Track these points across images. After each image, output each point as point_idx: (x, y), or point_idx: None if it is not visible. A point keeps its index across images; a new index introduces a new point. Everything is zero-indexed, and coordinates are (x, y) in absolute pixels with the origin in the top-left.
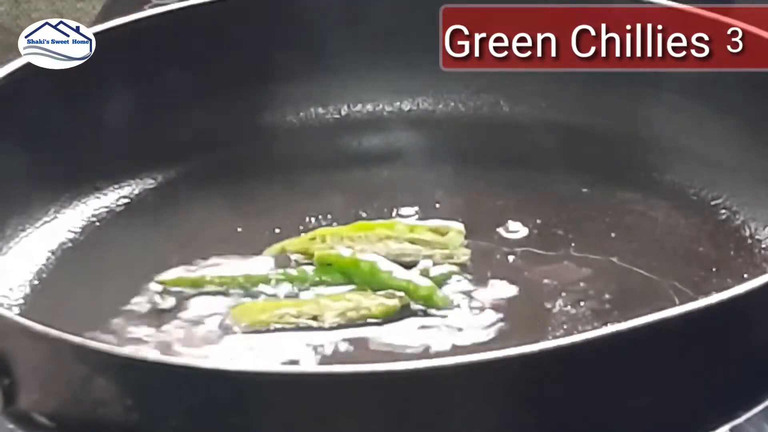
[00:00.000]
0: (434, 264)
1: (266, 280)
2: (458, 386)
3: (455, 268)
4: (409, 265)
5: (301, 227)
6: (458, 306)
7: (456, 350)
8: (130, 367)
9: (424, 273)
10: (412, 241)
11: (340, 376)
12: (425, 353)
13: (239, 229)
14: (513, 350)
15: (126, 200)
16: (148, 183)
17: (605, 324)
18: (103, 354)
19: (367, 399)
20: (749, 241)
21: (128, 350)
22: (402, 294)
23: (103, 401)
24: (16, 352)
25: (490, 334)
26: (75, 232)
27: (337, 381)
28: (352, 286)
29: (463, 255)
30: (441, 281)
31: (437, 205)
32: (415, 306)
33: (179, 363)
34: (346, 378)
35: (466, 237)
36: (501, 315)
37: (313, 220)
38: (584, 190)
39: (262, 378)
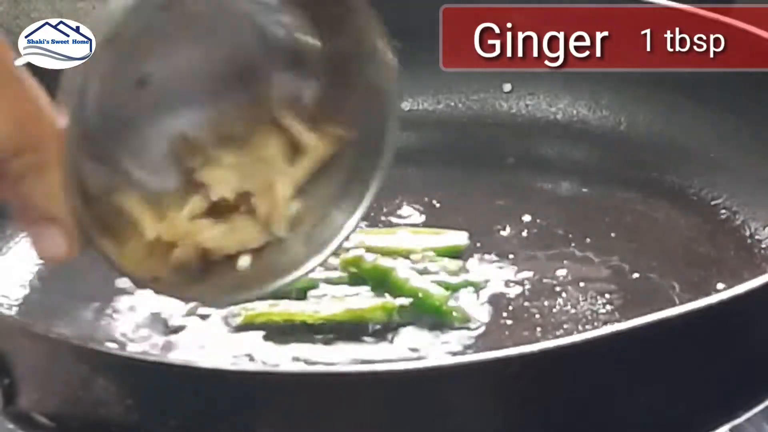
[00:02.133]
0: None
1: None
2: (458, 386)
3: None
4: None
5: None
6: (458, 305)
7: (455, 350)
8: (130, 367)
9: (443, 284)
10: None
11: (341, 376)
12: (423, 353)
13: None
14: (513, 350)
15: None
16: None
17: (605, 324)
18: (103, 354)
19: (368, 399)
20: (749, 241)
21: (129, 351)
22: (406, 301)
23: (103, 401)
24: (16, 352)
25: (490, 333)
26: None
27: (337, 381)
28: (365, 288)
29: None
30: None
31: (437, 205)
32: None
33: (179, 363)
34: (346, 378)
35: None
36: (501, 314)
37: None
38: (584, 190)
39: (262, 378)
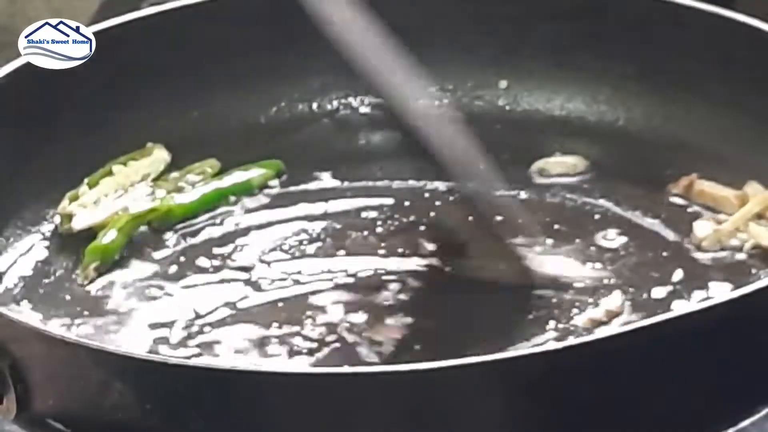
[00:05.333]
0: None
1: None
2: (469, 386)
3: None
4: None
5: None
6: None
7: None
8: (150, 370)
9: None
10: None
11: (361, 377)
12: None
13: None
14: (514, 352)
15: None
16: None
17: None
18: (122, 358)
19: (385, 399)
20: None
21: (148, 354)
22: None
23: (121, 405)
24: (31, 357)
25: (495, 333)
26: None
27: (355, 382)
28: None
29: None
30: None
31: (435, 203)
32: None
33: (200, 365)
34: (363, 379)
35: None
36: (503, 314)
37: (311, 220)
38: (584, 186)
39: (284, 379)
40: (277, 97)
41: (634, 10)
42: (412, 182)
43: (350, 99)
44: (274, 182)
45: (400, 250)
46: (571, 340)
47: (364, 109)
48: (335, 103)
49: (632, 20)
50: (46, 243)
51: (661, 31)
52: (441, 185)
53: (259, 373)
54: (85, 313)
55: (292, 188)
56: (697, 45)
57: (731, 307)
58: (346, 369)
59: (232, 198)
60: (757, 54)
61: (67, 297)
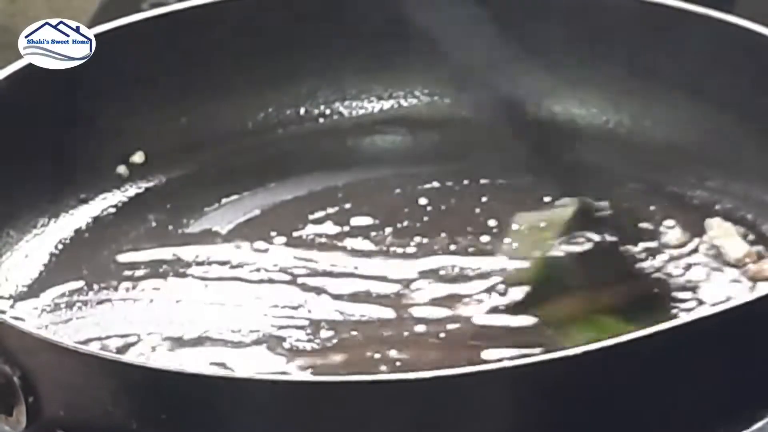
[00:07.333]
0: None
1: None
2: (482, 392)
3: None
4: None
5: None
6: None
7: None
8: (165, 379)
9: None
10: None
11: (370, 384)
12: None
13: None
14: (531, 358)
15: (113, 209)
16: (145, 185)
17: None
18: (138, 368)
19: (392, 408)
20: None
21: (163, 363)
22: None
23: (135, 416)
24: (42, 368)
25: (500, 337)
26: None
27: (368, 389)
28: None
29: None
30: None
31: (427, 207)
32: None
33: (218, 374)
34: (376, 386)
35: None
36: (505, 320)
37: (310, 222)
38: (585, 187)
39: (304, 388)
40: (264, 102)
41: (625, 12)
42: (401, 188)
43: (338, 104)
44: (263, 188)
45: (399, 251)
46: (585, 347)
47: (352, 114)
48: (323, 108)
49: (622, 22)
50: (49, 243)
51: (651, 33)
52: (431, 190)
53: (280, 383)
54: None
55: (281, 194)
56: (687, 47)
57: (744, 311)
58: (358, 377)
59: (216, 204)
60: (747, 55)
61: None
